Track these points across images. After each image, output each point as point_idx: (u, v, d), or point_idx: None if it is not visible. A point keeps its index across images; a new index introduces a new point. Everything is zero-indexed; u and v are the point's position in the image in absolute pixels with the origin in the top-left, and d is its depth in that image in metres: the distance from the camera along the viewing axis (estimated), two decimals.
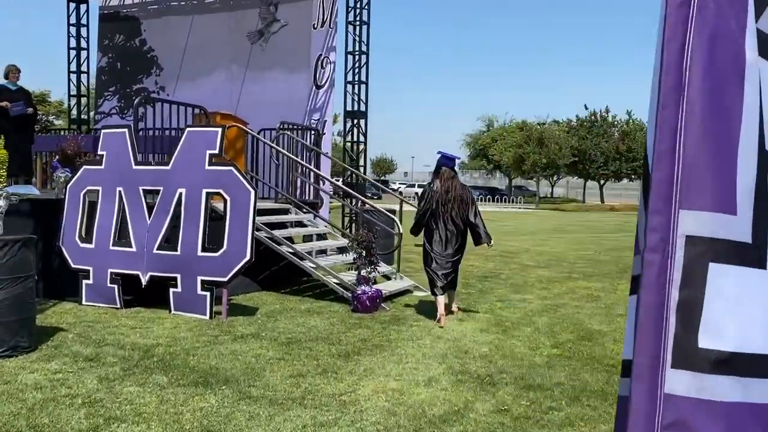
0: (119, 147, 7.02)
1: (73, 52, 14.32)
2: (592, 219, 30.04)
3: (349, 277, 7.54)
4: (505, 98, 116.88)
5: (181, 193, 6.64)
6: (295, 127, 9.90)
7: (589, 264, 11.93)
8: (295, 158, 8.24)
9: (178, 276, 6.58)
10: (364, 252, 6.93)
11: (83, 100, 14.53)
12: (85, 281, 6.97)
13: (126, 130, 7.04)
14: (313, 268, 7.54)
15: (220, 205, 6.78)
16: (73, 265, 7.04)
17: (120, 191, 6.94)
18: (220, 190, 6.50)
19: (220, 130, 6.62)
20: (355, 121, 11.48)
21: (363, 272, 6.97)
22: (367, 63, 11.30)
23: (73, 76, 14.37)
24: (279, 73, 11.98)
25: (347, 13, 11.31)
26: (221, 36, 12.62)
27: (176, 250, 6.58)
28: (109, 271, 6.84)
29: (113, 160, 7.05)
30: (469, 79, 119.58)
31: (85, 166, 7.21)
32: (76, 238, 7.07)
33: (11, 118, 9.15)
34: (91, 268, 6.96)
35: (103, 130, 7.29)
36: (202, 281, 6.46)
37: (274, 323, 6.32)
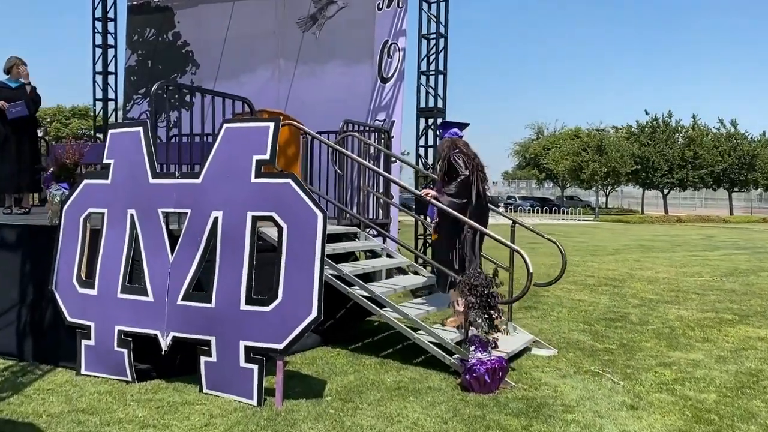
0: (131, 153, 5.00)
1: (98, 51, 12.55)
2: (669, 233, 27.18)
3: (449, 333, 5.35)
4: (553, 105, 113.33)
5: (216, 218, 4.56)
6: (364, 127, 7.77)
7: (725, 296, 9.46)
8: (377, 169, 6.01)
9: (213, 339, 4.48)
10: (480, 302, 4.72)
11: (110, 105, 12.73)
12: (84, 342, 4.95)
13: (140, 128, 5.00)
14: (396, 317, 5.38)
15: (273, 233, 4.70)
16: (69, 319, 5.04)
17: (132, 215, 4.91)
18: (273, 214, 4.39)
19: (271, 124, 4.51)
20: (431, 120, 9.30)
21: (478, 331, 4.76)
22: (445, 48, 9.14)
23: (99, 78, 12.59)
24: (336, 66, 9.93)
25: None
26: (267, 25, 10.65)
27: (210, 302, 4.50)
28: (117, 328, 4.81)
29: (123, 171, 5.02)
30: (514, 84, 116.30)
31: (86, 181, 5.21)
32: (74, 281, 5.07)
33: (10, 122, 7.30)
34: (92, 324, 4.94)
35: (110, 130, 5.26)
36: (248, 348, 4.35)
37: (355, 416, 4.15)
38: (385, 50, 9.46)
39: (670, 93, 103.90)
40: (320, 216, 4.26)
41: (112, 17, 12.55)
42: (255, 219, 4.44)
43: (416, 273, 6.85)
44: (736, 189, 47.96)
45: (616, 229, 29.12)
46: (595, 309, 8.20)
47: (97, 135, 12.95)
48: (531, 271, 4.95)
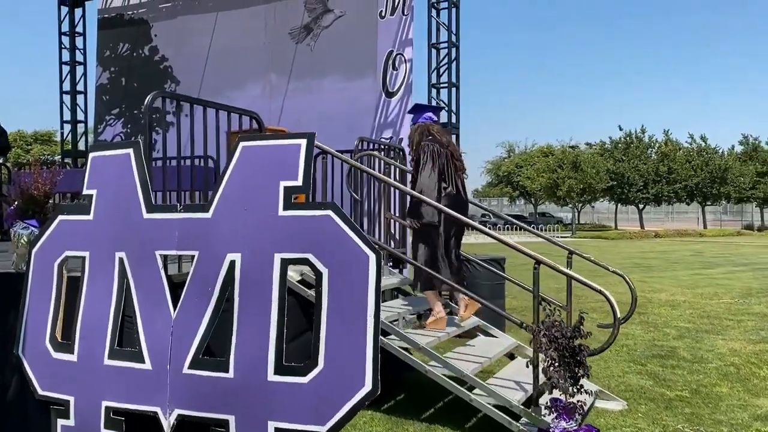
0: (119, 181, 3.99)
1: (66, 68, 11.46)
2: (656, 249, 26.78)
3: (514, 391, 4.43)
4: (522, 122, 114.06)
5: (233, 262, 3.58)
6: (380, 146, 6.86)
7: (762, 322, 8.75)
8: (416, 193, 5.03)
9: (232, 420, 3.48)
10: (563, 357, 3.81)
11: (80, 127, 11.61)
12: (61, 421, 3.90)
13: (130, 150, 4.00)
14: (446, 376, 4.45)
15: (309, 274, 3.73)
16: (40, 392, 3.97)
17: (122, 259, 3.89)
18: (308, 255, 3.43)
19: (303, 142, 3.56)
20: None
21: (560, 393, 3.84)
22: (457, 58, 8.33)
23: (67, 98, 11.48)
24: (335, 80, 9.04)
25: None
26: (255, 36, 9.73)
27: (226, 370, 3.49)
28: (104, 404, 3.76)
29: (110, 204, 4.01)
30: (485, 103, 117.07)
31: (60, 217, 4.17)
32: (47, 344, 4.01)
33: None
34: (71, 399, 3.88)
35: (91, 153, 4.24)
36: (279, 431, 3.36)
37: None
38: (390, 62, 8.61)
39: (637, 109, 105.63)
40: (373, 257, 3.31)
41: (81, 32, 11.48)
42: (285, 263, 3.47)
43: (450, 313, 5.92)
44: (709, 203, 48.32)
45: (602, 247, 28.61)
46: (635, 343, 7.37)
47: (65, 161, 11.80)
48: (618, 315, 4.07)
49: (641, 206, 47.34)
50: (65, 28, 11.39)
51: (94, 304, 3.94)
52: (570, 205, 47.31)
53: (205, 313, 3.62)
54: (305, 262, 3.45)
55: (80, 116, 11.55)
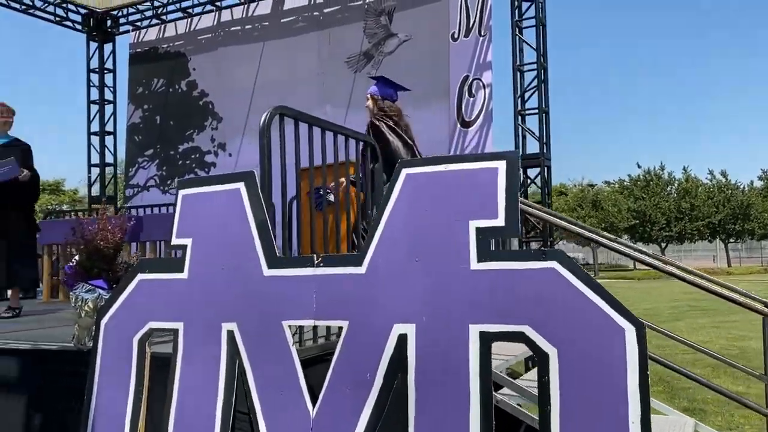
0: (227, 226, 2.96)
1: (94, 108, 10.59)
2: (695, 290, 25.45)
3: None
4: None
5: (403, 337, 2.51)
6: None
7: None
8: (566, 224, 4.05)
9: None
10: None
11: (108, 171, 10.68)
12: None
13: (241, 183, 2.97)
14: None
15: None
16: None
17: (231, 332, 2.84)
18: (524, 329, 2.36)
19: (502, 164, 2.53)
20: (536, 171, 7.43)
21: None
22: (545, 82, 7.38)
23: (95, 140, 10.58)
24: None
25: (513, 10, 7.47)
26: (307, 67, 8.85)
27: None
28: None
29: (212, 256, 2.97)
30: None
31: (140, 275, 3.12)
32: None
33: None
34: None
35: (181, 191, 3.23)
36: None
37: None
38: (465, 88, 7.68)
39: (644, 146, 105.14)
40: (631, 331, 2.25)
41: (111, 68, 10.66)
42: (487, 339, 2.41)
43: None
44: (732, 240, 47.18)
45: (639, 288, 27.33)
46: None
47: (91, 208, 10.82)
48: None
49: (663, 245, 46.16)
50: (94, 64, 10.58)
51: (192, 395, 2.87)
52: (589, 246, 46.13)
53: (363, 411, 2.54)
54: (519, 337, 2.39)
55: (108, 158, 10.64)
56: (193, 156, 9.57)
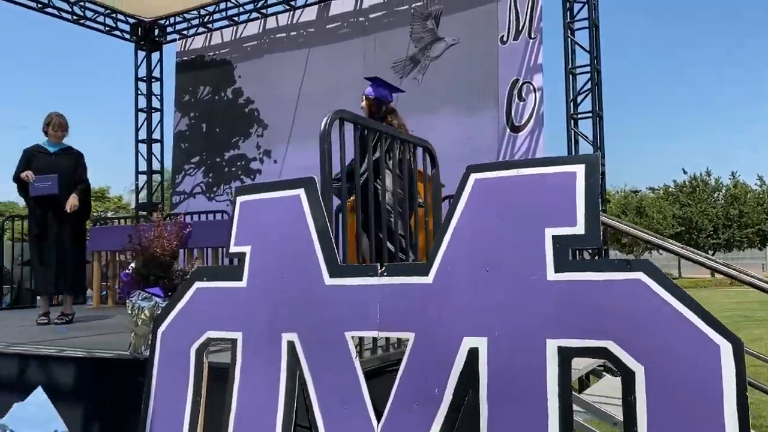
0: (287, 233, 2.88)
1: (142, 116, 10.74)
2: (752, 299, 24.62)
3: None
4: None
5: (473, 351, 2.38)
6: None
7: None
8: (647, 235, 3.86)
9: None
10: None
11: (155, 179, 10.81)
12: None
13: (301, 190, 2.89)
14: None
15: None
16: None
17: (292, 342, 2.75)
18: (607, 344, 2.21)
19: (580, 168, 2.38)
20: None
21: None
22: (599, 84, 7.16)
23: (143, 147, 10.72)
24: (447, 116, 7.97)
25: (564, 11, 7.28)
26: (352, 72, 8.75)
27: None
28: None
29: (272, 264, 2.89)
30: None
31: (198, 284, 3.06)
32: None
33: (51, 203, 5.37)
34: None
35: (239, 197, 3.16)
36: None
37: None
38: (515, 92, 7.51)
39: (689, 152, 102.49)
40: (727, 348, 2.07)
41: (158, 76, 10.80)
42: (567, 354, 2.26)
43: None
44: None
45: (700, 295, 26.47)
46: None
47: (138, 215, 10.96)
48: None
49: (711, 252, 44.82)
50: (142, 73, 10.74)
51: (251, 408, 2.79)
52: (633, 254, 45.09)
53: (431, 429, 2.42)
54: (601, 353, 2.23)
55: (155, 166, 10.77)
56: (238, 163, 9.60)
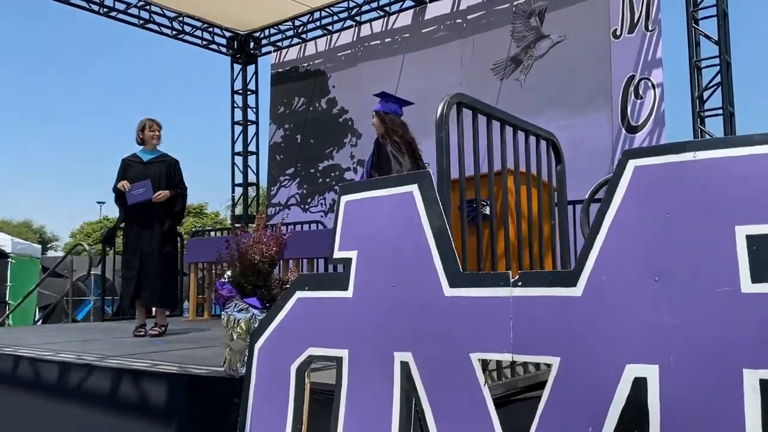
0: (398, 236, 2.49)
1: (238, 129, 10.79)
2: None
3: None
4: None
5: (640, 382, 1.88)
6: None
7: None
8: None
9: None
10: None
11: (251, 191, 10.81)
12: None
13: (414, 186, 2.50)
14: None
15: None
16: None
17: (406, 364, 2.35)
18: None
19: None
20: None
21: None
22: (729, 78, 6.40)
23: (239, 160, 10.76)
24: (553, 118, 7.37)
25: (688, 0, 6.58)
26: (448, 76, 8.39)
27: None
28: None
29: (381, 272, 2.51)
30: None
31: (299, 294, 2.72)
32: None
33: (143, 213, 5.29)
34: None
35: (343, 197, 2.82)
36: None
37: None
38: (631, 89, 6.86)
39: None
40: None
41: (254, 89, 10.84)
42: None
43: None
44: None
45: None
46: None
47: (235, 227, 10.99)
48: None
49: None
50: (238, 85, 10.82)
51: (358, 426, 2.40)
52: None
53: None
54: None
55: (251, 178, 10.78)
56: (332, 173, 9.41)
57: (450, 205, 2.65)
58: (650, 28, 6.81)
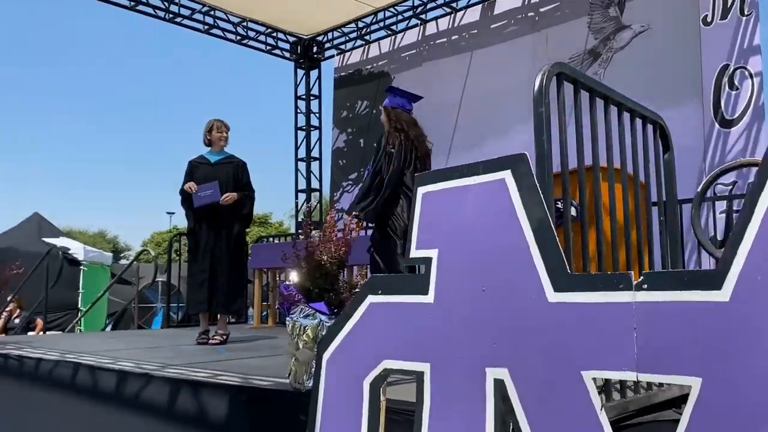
0: (489, 231, 2.13)
1: (301, 134, 10.65)
2: None
3: None
4: None
5: None
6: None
7: None
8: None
9: None
10: None
11: (314, 197, 10.64)
12: None
13: (507, 172, 2.14)
14: None
15: None
16: None
17: (500, 382, 1.98)
18: None
19: None
20: None
21: None
22: None
23: (302, 166, 10.61)
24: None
25: None
26: (519, 72, 7.95)
27: None
28: None
29: (468, 274, 2.16)
30: None
31: (371, 298, 2.40)
32: None
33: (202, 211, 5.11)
34: None
35: (420, 188, 2.49)
36: None
37: None
38: (724, 80, 6.27)
39: None
40: None
41: (317, 94, 10.68)
42: None
43: None
44: None
45: None
46: None
47: (298, 233, 10.84)
48: None
49: None
50: (301, 91, 10.69)
51: None
52: None
53: None
54: None
55: (314, 184, 10.61)
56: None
57: (551, 194, 2.27)
58: (746, 13, 6.21)
